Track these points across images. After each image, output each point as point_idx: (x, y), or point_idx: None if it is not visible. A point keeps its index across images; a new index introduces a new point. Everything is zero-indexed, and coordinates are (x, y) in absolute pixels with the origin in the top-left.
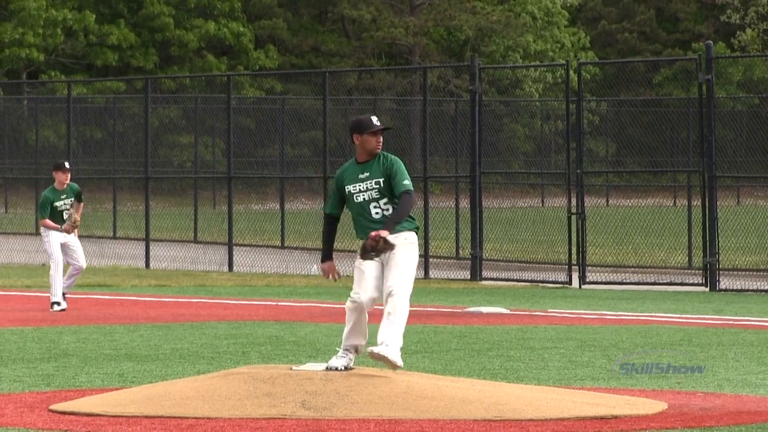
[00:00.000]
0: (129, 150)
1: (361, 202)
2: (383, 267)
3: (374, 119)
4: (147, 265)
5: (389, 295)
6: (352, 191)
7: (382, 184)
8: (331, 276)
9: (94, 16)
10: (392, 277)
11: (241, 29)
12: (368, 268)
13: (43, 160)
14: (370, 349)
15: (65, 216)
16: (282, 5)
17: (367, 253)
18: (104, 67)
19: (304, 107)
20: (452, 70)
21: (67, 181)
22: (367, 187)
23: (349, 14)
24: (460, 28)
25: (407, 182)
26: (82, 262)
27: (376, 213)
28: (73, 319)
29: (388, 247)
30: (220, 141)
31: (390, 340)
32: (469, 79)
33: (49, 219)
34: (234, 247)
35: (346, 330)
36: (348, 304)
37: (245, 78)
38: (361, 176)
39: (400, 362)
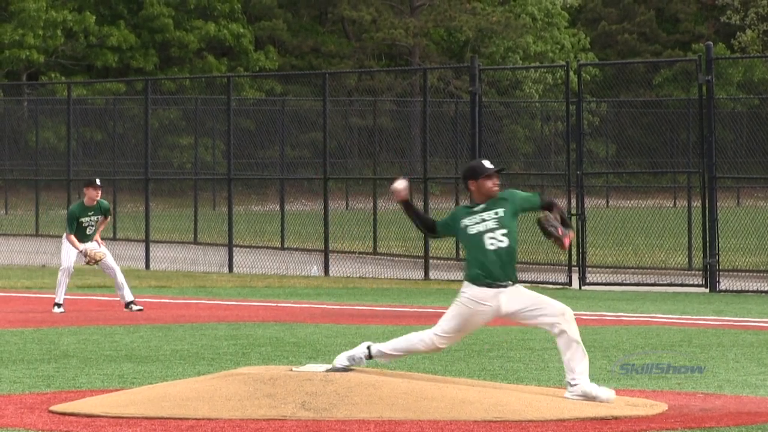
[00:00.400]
0: (129, 151)
1: (474, 233)
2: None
3: (487, 163)
4: (147, 266)
5: (557, 326)
6: (468, 224)
7: (502, 215)
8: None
9: (94, 17)
10: (548, 310)
11: (241, 30)
12: (470, 326)
13: (43, 161)
14: (576, 390)
15: (89, 232)
16: (282, 6)
17: (552, 236)
18: (104, 68)
19: (304, 108)
20: (452, 71)
21: (98, 198)
22: (482, 219)
23: (349, 15)
24: (460, 29)
25: (532, 195)
26: (114, 265)
27: (491, 244)
28: (73, 320)
29: (567, 237)
30: (220, 142)
31: (585, 377)
32: (469, 80)
33: (75, 234)
34: (234, 249)
35: (397, 344)
36: (428, 342)
37: (245, 79)
38: (476, 210)
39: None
